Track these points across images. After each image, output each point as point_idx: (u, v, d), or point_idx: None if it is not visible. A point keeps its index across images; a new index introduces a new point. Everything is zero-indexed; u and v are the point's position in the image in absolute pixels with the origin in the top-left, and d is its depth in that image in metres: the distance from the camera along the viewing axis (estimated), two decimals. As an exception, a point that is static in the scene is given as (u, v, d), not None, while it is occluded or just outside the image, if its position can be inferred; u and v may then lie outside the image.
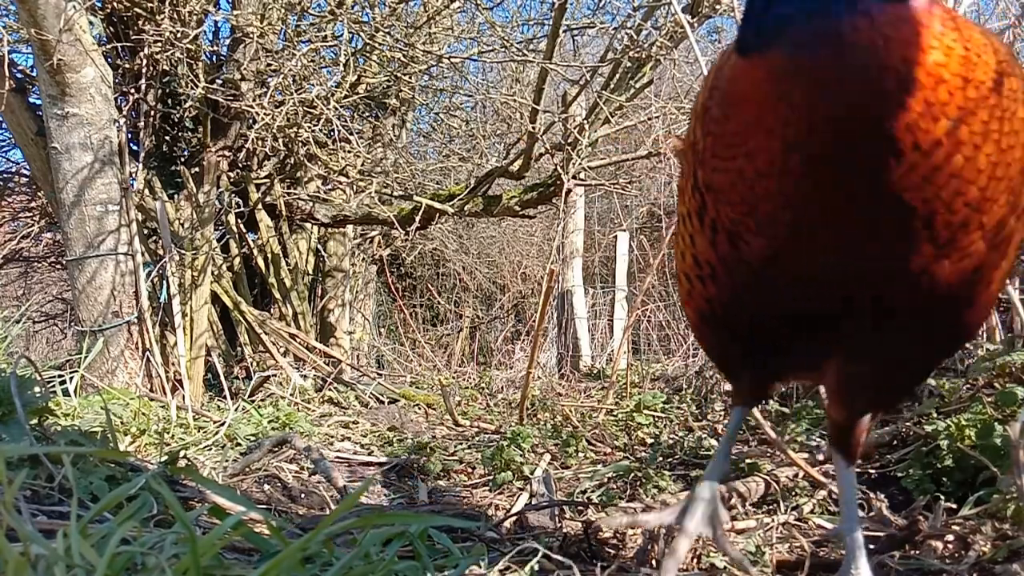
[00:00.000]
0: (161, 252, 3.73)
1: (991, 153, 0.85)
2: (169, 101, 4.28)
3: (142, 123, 4.06)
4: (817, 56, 0.81)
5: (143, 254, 3.52)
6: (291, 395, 3.89)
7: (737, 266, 1.04)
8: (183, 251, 3.89)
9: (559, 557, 1.52)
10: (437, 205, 4.76)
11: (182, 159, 4.35)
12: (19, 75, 3.77)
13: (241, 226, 4.86)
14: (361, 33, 4.59)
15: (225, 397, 3.50)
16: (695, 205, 1.09)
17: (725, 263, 1.06)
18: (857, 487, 1.88)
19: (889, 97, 0.80)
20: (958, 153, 0.83)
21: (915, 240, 0.89)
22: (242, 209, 4.76)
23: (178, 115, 4.25)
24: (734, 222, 0.99)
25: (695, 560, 1.50)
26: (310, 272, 5.39)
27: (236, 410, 3.17)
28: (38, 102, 3.47)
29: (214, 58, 4.56)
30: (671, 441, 2.56)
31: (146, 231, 4.01)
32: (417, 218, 4.75)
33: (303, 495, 2.23)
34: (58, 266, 5.97)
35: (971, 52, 0.83)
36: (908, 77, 0.80)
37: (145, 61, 3.92)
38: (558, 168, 4.62)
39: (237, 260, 4.82)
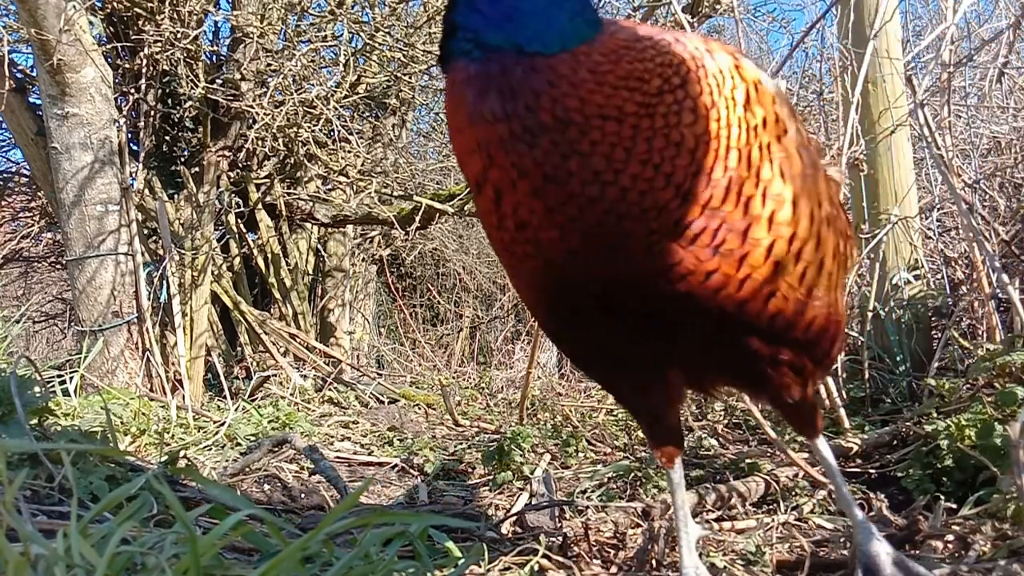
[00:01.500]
0: (161, 252, 3.73)
1: (648, 148, 0.97)
2: (169, 101, 4.27)
3: (142, 123, 4.06)
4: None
5: (143, 254, 3.52)
6: (291, 395, 3.89)
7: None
8: (183, 251, 3.89)
9: (559, 557, 1.52)
10: (437, 205, 4.76)
11: (182, 159, 4.35)
12: (19, 75, 3.77)
13: (241, 226, 4.86)
14: (361, 33, 4.59)
15: (225, 397, 3.50)
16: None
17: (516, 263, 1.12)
18: (857, 487, 1.89)
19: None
20: (618, 145, 0.96)
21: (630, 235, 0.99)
22: (242, 209, 4.76)
23: (178, 115, 4.25)
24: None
25: (695, 560, 1.50)
26: (310, 272, 5.39)
27: (236, 410, 3.17)
28: (38, 102, 3.47)
29: (214, 58, 4.56)
30: (671, 441, 2.56)
31: (146, 231, 4.01)
32: (417, 218, 4.74)
33: (303, 495, 2.23)
34: (58, 266, 5.96)
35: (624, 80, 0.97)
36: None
37: (145, 61, 3.91)
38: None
39: (237, 260, 4.82)
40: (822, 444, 1.35)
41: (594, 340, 1.17)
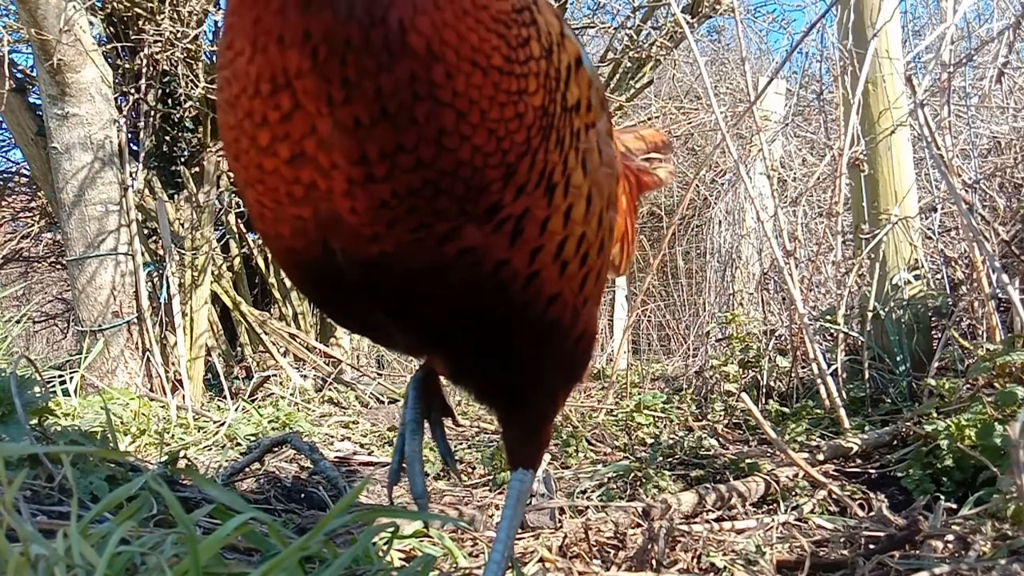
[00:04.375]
0: (161, 252, 3.73)
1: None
2: (169, 101, 4.27)
3: (142, 123, 4.06)
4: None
5: (143, 254, 3.52)
6: (291, 395, 3.89)
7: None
8: (183, 251, 3.89)
9: (559, 557, 1.52)
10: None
11: (182, 159, 4.35)
12: (19, 75, 3.78)
13: (241, 226, 4.86)
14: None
15: (225, 397, 3.50)
16: None
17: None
18: (857, 487, 1.89)
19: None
20: (477, 103, 0.80)
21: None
22: (242, 209, 4.75)
23: (178, 115, 4.25)
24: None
25: (695, 560, 1.50)
26: (310, 272, 5.38)
27: (236, 410, 3.17)
28: (38, 102, 3.48)
29: (214, 58, 4.56)
30: (671, 441, 2.56)
31: (146, 231, 4.01)
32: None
33: (303, 495, 2.22)
34: (58, 266, 5.96)
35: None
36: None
37: (145, 61, 3.91)
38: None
39: (237, 260, 4.82)
40: (528, 480, 1.09)
41: (351, 318, 1.05)
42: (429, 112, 0.77)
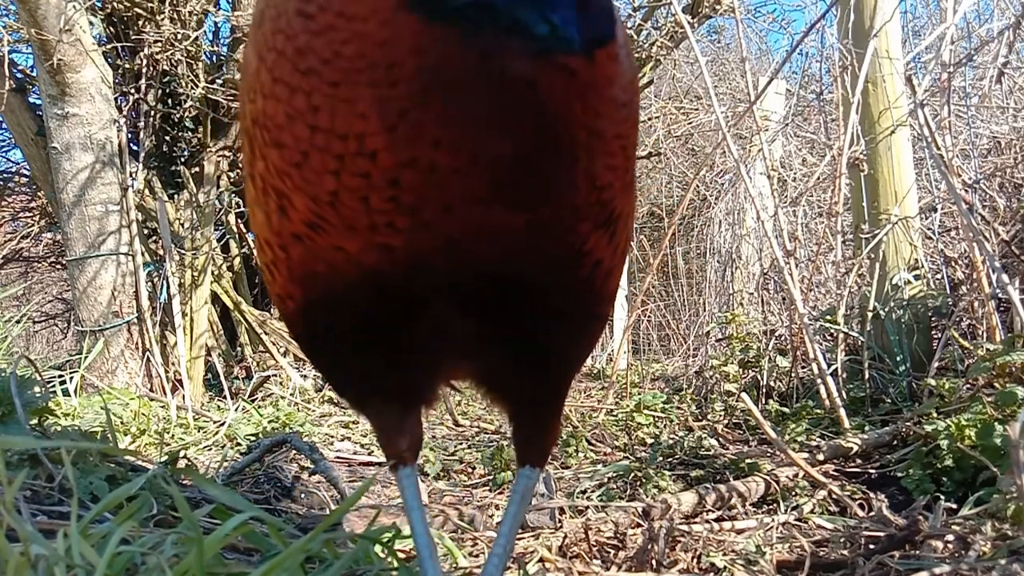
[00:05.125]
0: (161, 252, 3.73)
1: None
2: (169, 101, 4.27)
3: (142, 123, 4.06)
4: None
5: (143, 254, 3.52)
6: (291, 395, 3.89)
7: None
8: (183, 251, 3.89)
9: (559, 557, 1.52)
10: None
11: (182, 159, 4.35)
12: (19, 75, 3.78)
13: (241, 226, 4.86)
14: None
15: (225, 397, 3.50)
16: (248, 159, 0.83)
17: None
18: (857, 487, 1.89)
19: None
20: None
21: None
22: (242, 209, 4.76)
23: (178, 115, 4.25)
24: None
25: (695, 560, 1.50)
26: (310, 272, 5.38)
27: (236, 410, 3.17)
28: (38, 102, 3.47)
29: (214, 58, 4.56)
30: (671, 441, 2.56)
31: (146, 231, 4.01)
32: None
33: (303, 495, 2.22)
34: (58, 266, 5.96)
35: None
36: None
37: (145, 61, 3.92)
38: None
39: (237, 260, 4.82)
40: (535, 478, 1.05)
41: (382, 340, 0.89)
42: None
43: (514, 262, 0.79)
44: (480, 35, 0.66)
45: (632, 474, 2.19)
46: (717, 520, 1.78)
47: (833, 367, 2.68)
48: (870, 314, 2.84)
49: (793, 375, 3.02)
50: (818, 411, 2.61)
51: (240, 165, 4.69)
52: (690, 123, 6.45)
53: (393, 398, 0.97)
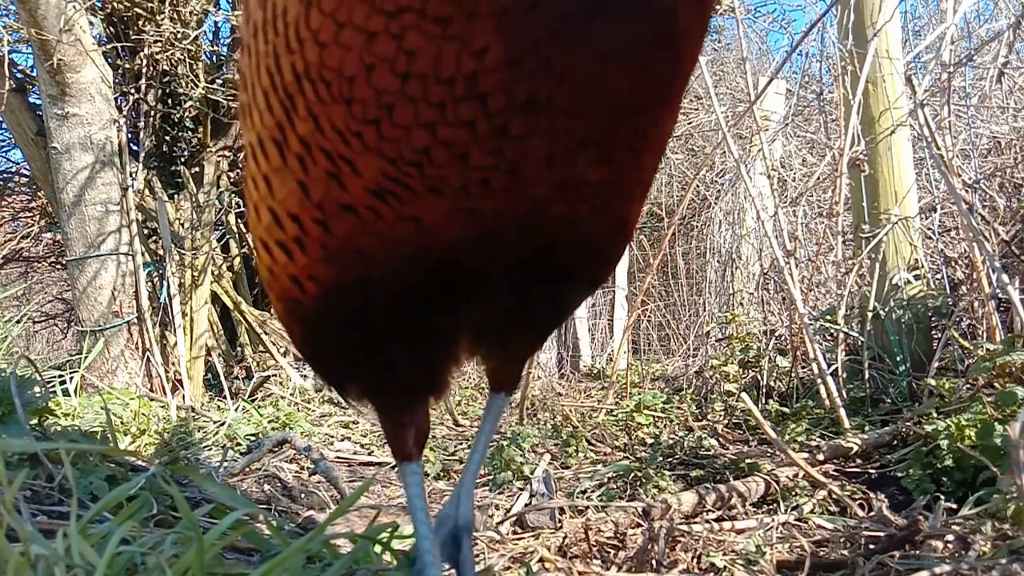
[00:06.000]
0: (161, 252, 3.73)
1: None
2: (169, 101, 4.27)
3: (142, 123, 4.06)
4: None
5: (143, 254, 3.52)
6: (291, 395, 3.89)
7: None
8: (183, 251, 3.89)
9: (559, 557, 1.52)
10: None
11: (182, 159, 4.35)
12: (19, 75, 3.78)
13: (241, 226, 4.86)
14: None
15: (225, 397, 3.50)
16: (272, 123, 0.73)
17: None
18: (857, 487, 1.89)
19: None
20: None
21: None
22: (242, 209, 4.76)
23: (178, 115, 4.25)
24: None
25: (695, 560, 1.50)
26: (310, 272, 5.38)
27: (236, 410, 3.17)
28: (38, 102, 3.47)
29: (214, 58, 4.56)
30: (671, 441, 2.56)
31: (146, 231, 4.01)
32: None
33: (303, 495, 2.22)
34: (58, 266, 5.96)
35: None
36: None
37: (145, 61, 3.92)
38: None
39: (237, 260, 4.82)
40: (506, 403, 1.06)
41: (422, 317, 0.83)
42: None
43: (579, 225, 0.75)
44: None
45: (632, 474, 2.19)
46: (717, 520, 1.78)
47: (833, 367, 2.68)
48: (870, 314, 2.84)
49: (793, 375, 3.02)
50: (818, 411, 2.61)
51: (240, 165, 4.69)
52: (690, 123, 6.45)
53: (406, 387, 0.90)
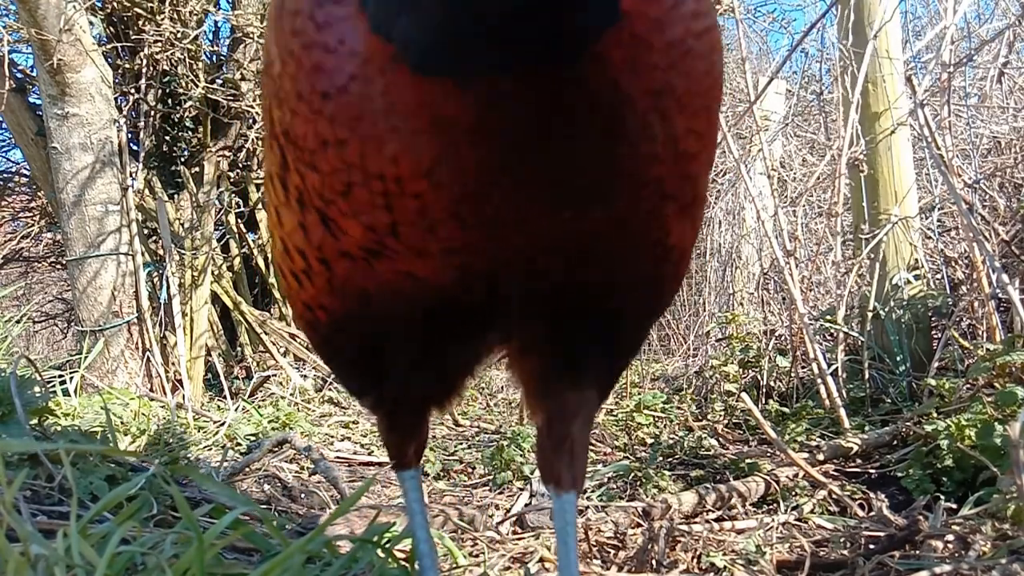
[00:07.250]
0: (161, 252, 3.73)
1: None
2: (169, 101, 4.27)
3: (142, 123, 4.06)
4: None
5: (143, 254, 3.52)
6: (291, 395, 3.89)
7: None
8: (183, 251, 3.89)
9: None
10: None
11: (182, 159, 4.35)
12: (19, 75, 3.78)
13: (241, 226, 4.86)
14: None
15: (225, 397, 3.50)
16: (276, 160, 0.73)
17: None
18: (857, 487, 1.89)
19: None
20: None
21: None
22: (242, 209, 4.76)
23: (178, 115, 4.25)
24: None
25: (695, 560, 1.50)
26: (310, 272, 5.37)
27: (236, 410, 3.17)
28: (38, 102, 3.47)
29: (214, 58, 4.56)
30: (671, 441, 2.56)
31: (146, 231, 4.01)
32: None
33: (303, 495, 2.22)
34: (58, 266, 5.96)
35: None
36: None
37: (145, 61, 3.91)
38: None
39: (237, 260, 4.82)
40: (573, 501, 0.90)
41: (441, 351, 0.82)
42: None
43: (598, 261, 0.72)
44: (476, 80, 0.56)
45: (632, 474, 2.19)
46: (717, 520, 1.78)
47: (833, 367, 2.68)
48: (870, 314, 2.84)
49: (793, 375, 3.02)
50: (818, 411, 2.61)
51: (239, 165, 4.69)
52: (690, 123, 6.43)
53: (415, 407, 0.91)
